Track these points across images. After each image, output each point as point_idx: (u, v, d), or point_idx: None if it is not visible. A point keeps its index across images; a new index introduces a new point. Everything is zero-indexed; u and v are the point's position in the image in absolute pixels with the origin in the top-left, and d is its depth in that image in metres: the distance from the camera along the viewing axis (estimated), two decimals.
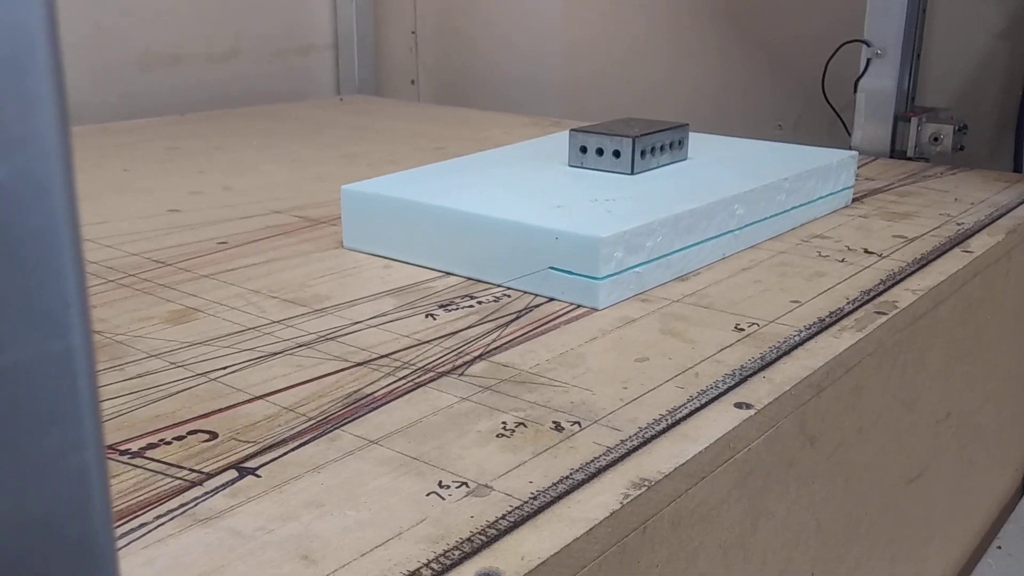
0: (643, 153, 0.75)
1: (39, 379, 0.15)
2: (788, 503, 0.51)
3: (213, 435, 0.43)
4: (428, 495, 0.38)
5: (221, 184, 0.92)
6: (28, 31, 0.13)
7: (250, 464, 0.41)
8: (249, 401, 0.47)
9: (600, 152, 0.75)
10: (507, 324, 0.57)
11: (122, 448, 0.42)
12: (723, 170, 0.77)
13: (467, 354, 0.52)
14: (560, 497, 0.38)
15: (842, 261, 0.69)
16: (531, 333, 0.56)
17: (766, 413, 0.47)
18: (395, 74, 1.65)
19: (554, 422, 0.44)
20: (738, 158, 0.82)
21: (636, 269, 0.61)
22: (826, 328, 0.56)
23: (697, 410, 0.46)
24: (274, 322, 0.57)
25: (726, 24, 1.33)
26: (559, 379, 0.49)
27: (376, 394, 0.47)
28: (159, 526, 0.36)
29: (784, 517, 0.51)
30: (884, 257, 0.70)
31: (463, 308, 0.59)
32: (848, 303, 0.60)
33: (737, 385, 0.48)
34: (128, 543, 0.35)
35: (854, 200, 0.85)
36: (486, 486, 0.39)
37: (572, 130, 0.78)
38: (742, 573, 0.48)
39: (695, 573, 0.44)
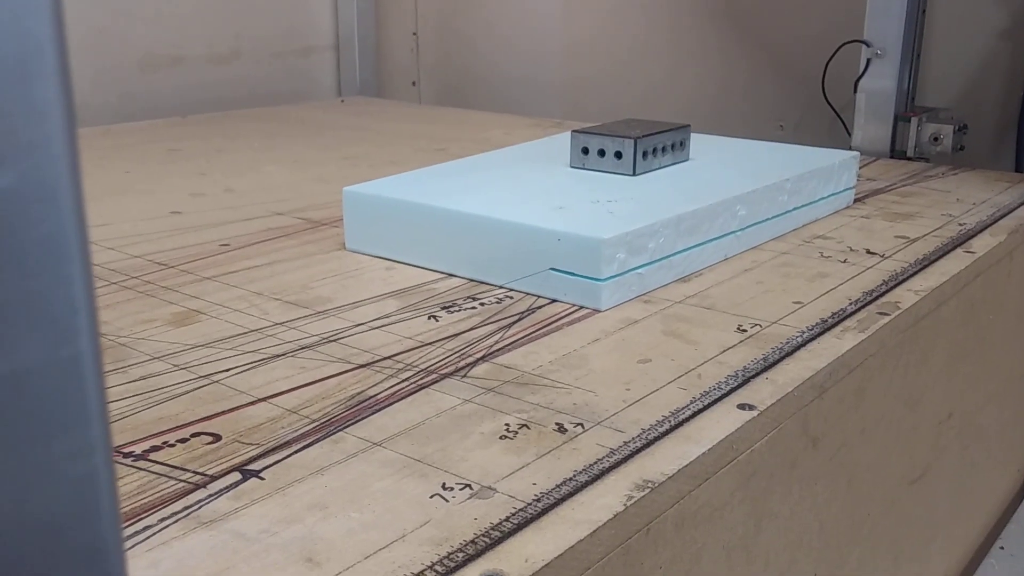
0: (645, 154, 0.75)
1: (47, 384, 0.15)
2: (791, 504, 0.51)
3: (217, 437, 0.43)
4: (432, 497, 0.38)
5: (222, 186, 0.92)
6: (37, 37, 0.13)
7: (254, 466, 0.41)
8: (252, 403, 0.47)
9: (602, 153, 0.75)
10: (510, 326, 0.57)
11: (126, 451, 0.42)
12: (725, 171, 0.77)
13: (470, 356, 0.52)
14: (564, 499, 0.38)
15: (844, 262, 0.69)
16: (534, 334, 0.56)
17: (769, 414, 0.47)
18: (396, 75, 1.65)
19: (557, 424, 0.44)
20: (740, 159, 0.82)
21: (638, 270, 0.61)
22: (828, 329, 0.56)
23: (700, 411, 0.46)
24: (277, 324, 0.57)
25: (727, 25, 1.33)
26: (562, 381, 0.49)
27: (379, 396, 0.47)
28: (163, 529, 0.36)
29: (787, 518, 0.51)
30: (886, 258, 0.70)
31: (465, 310, 0.59)
32: (850, 304, 0.60)
33: (740, 386, 0.48)
34: (133, 546, 0.35)
35: (856, 201, 0.85)
36: (489, 488, 0.39)
37: (574, 131, 0.78)
38: (745, 574, 0.48)
39: (698, 574, 0.44)
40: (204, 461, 0.41)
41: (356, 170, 0.99)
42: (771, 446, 0.47)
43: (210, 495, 0.39)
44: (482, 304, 0.60)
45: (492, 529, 0.36)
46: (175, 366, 0.51)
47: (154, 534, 0.36)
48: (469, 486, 0.39)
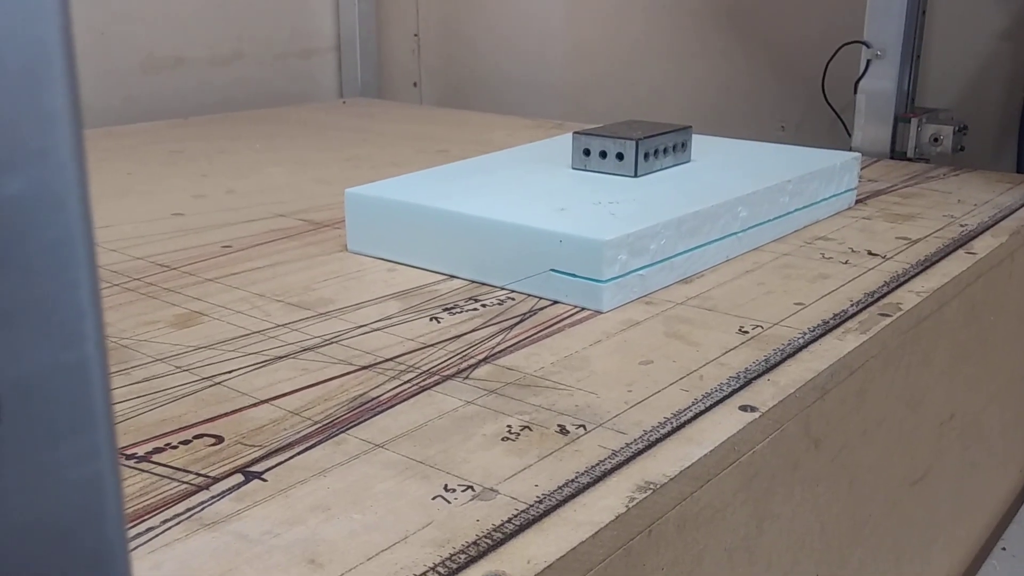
0: (646, 155, 0.75)
1: (53, 389, 0.15)
2: (793, 505, 0.51)
3: (219, 439, 0.43)
4: (434, 499, 0.38)
5: (224, 187, 0.92)
6: (46, 45, 0.13)
7: (256, 468, 0.41)
8: (255, 405, 0.47)
9: (603, 155, 0.76)
10: (511, 327, 0.57)
11: (128, 452, 0.42)
12: (726, 172, 0.77)
13: (472, 357, 0.52)
14: (566, 500, 0.38)
15: (846, 263, 0.69)
16: (535, 336, 0.56)
17: (771, 416, 0.47)
18: (398, 77, 1.65)
19: (559, 425, 0.45)
20: (741, 160, 0.82)
21: (640, 272, 0.62)
22: (830, 330, 0.56)
23: (702, 413, 0.46)
24: (279, 326, 0.57)
25: (727, 26, 1.33)
26: (564, 382, 0.49)
27: (381, 398, 0.48)
28: (166, 530, 0.36)
29: (789, 519, 0.51)
30: (888, 259, 0.70)
31: (467, 311, 0.60)
32: (852, 305, 0.60)
33: (741, 388, 0.49)
34: (135, 548, 0.35)
35: (857, 202, 0.85)
36: (492, 489, 0.39)
37: (575, 133, 0.78)
38: (747, 575, 0.48)
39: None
40: (207, 463, 0.41)
41: (358, 171, 0.99)
42: (773, 447, 0.47)
43: (213, 497, 0.39)
44: (484, 306, 0.61)
45: (494, 530, 0.36)
46: (178, 368, 0.51)
47: (157, 536, 0.36)
48: (471, 488, 0.39)
